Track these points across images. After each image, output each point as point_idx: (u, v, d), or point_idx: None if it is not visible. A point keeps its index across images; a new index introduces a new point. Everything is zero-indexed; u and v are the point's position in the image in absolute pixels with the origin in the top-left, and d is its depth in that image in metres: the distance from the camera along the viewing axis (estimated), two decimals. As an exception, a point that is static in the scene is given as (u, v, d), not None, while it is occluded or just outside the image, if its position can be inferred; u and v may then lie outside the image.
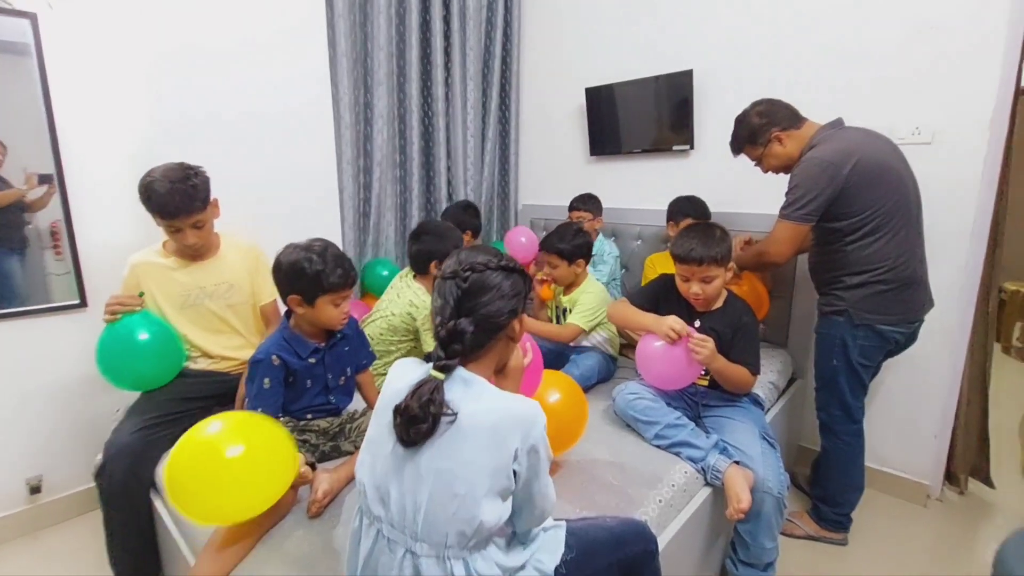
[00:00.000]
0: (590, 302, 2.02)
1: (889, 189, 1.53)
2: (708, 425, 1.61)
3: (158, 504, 1.39)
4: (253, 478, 1.02)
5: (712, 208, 2.30)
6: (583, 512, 1.20)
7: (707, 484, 1.45)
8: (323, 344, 1.42)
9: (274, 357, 1.32)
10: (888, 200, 1.52)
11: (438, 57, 2.68)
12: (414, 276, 1.95)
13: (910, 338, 1.65)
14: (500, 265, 0.91)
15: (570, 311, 2.04)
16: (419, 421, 0.81)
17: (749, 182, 2.10)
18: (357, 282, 1.38)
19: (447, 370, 0.86)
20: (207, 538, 1.11)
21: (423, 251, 1.90)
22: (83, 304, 1.91)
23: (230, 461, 1.02)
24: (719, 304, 1.62)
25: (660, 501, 1.28)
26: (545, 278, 2.15)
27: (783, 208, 1.61)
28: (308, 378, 1.39)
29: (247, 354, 1.54)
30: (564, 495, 1.26)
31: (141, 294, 1.57)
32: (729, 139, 1.78)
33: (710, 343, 1.46)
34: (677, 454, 1.47)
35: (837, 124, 1.63)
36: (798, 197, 1.56)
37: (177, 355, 1.63)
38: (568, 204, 2.56)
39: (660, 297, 1.69)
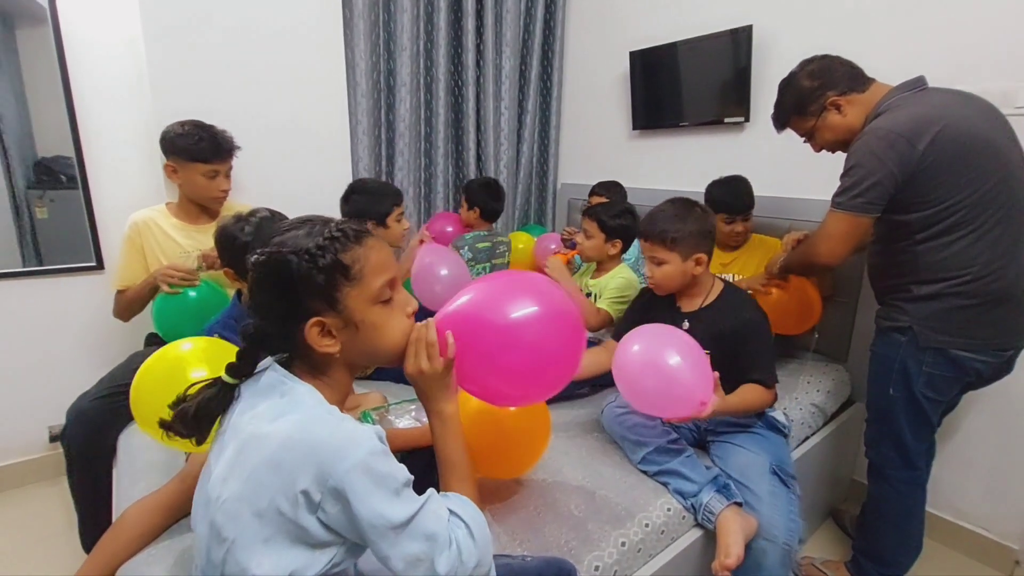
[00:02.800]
0: (620, 287, 1.81)
1: (983, 172, 1.15)
2: (714, 453, 1.35)
3: (115, 473, 1.38)
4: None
5: (766, 191, 1.96)
6: (523, 547, 1.02)
7: (698, 525, 1.20)
8: None
9: (216, 336, 1.23)
10: (980, 186, 1.15)
11: (469, 22, 2.48)
12: None
13: (1000, 369, 1.27)
14: (273, 253, 0.67)
15: (598, 296, 1.83)
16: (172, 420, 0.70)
17: (816, 161, 1.73)
18: None
19: (237, 374, 0.71)
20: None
21: (353, 213, 1.76)
22: (100, 267, 1.98)
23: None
24: (710, 299, 1.35)
25: (623, 544, 1.06)
26: (568, 238, 1.96)
27: (836, 194, 1.27)
28: None
29: (235, 324, 1.55)
30: (508, 521, 1.08)
31: (198, 267, 1.60)
32: (772, 109, 1.45)
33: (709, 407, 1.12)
34: (665, 485, 1.23)
35: (916, 84, 1.25)
36: (856, 180, 1.22)
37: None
38: (590, 189, 2.32)
39: (645, 306, 1.48)
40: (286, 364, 0.74)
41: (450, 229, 2.54)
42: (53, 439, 2.00)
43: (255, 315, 0.72)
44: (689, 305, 1.39)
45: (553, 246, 2.49)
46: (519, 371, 0.83)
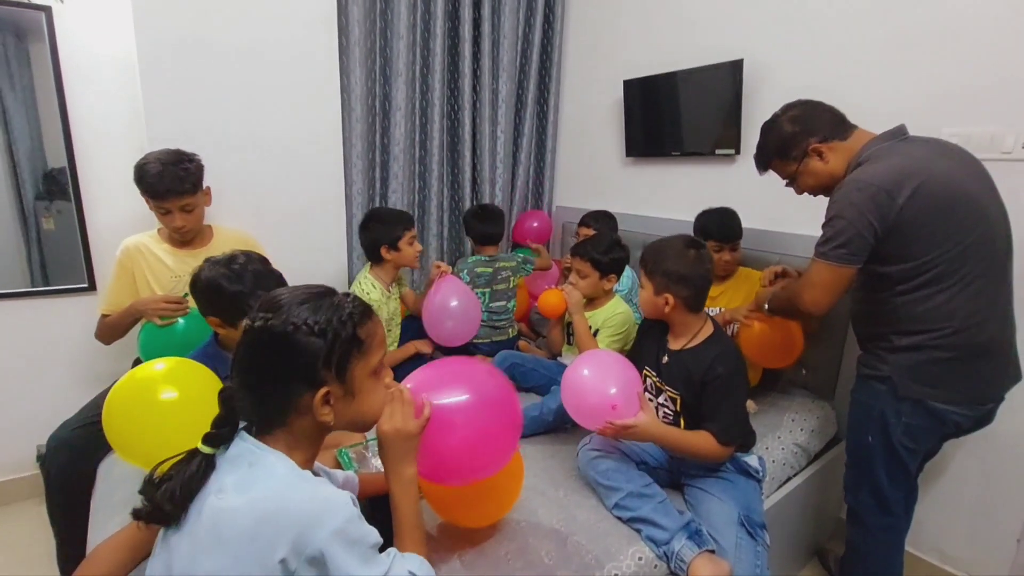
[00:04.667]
0: (618, 324, 1.80)
1: (963, 226, 1.15)
2: (687, 497, 1.34)
3: (93, 503, 1.39)
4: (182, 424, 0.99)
5: (754, 224, 1.97)
6: (489, 596, 1.01)
7: (672, 573, 1.19)
8: None
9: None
10: (960, 240, 1.15)
11: (466, 48, 2.50)
12: (369, 267, 2.01)
13: (979, 421, 1.26)
14: (287, 324, 0.70)
15: (596, 330, 1.82)
16: (148, 502, 0.68)
17: (804, 198, 1.73)
18: None
19: (214, 443, 0.70)
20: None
21: (369, 239, 1.97)
22: (92, 288, 2.00)
23: (163, 403, 1.05)
24: (694, 343, 1.36)
25: (591, 596, 1.05)
26: (569, 265, 2.02)
27: (819, 244, 1.27)
28: None
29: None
30: (478, 567, 1.08)
31: (186, 294, 1.58)
32: (755, 150, 1.45)
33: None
34: (638, 531, 1.22)
35: (898, 134, 1.25)
36: (837, 231, 1.22)
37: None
38: (580, 219, 2.33)
39: (644, 331, 1.55)
40: (254, 430, 0.75)
41: (536, 224, 2.81)
42: (40, 458, 2.01)
43: (244, 380, 0.72)
44: (675, 343, 1.41)
45: (547, 286, 2.50)
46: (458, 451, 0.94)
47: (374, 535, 0.71)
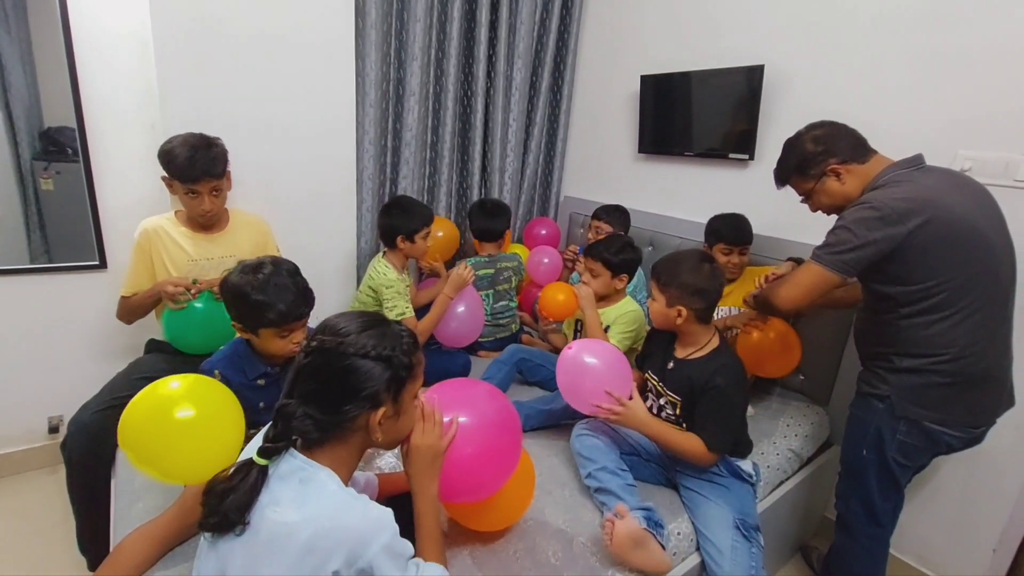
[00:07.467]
0: (629, 322, 1.84)
1: (967, 258, 1.18)
2: (684, 499, 1.41)
3: (113, 486, 1.43)
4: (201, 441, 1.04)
5: (763, 231, 1.99)
6: (500, 594, 1.07)
7: None
8: (276, 368, 1.31)
9: (216, 372, 1.25)
10: (964, 272, 1.18)
11: (482, 32, 2.46)
12: (383, 254, 2.03)
13: (970, 443, 1.32)
14: (358, 349, 0.76)
15: (607, 327, 1.86)
16: (211, 513, 0.72)
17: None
18: (309, 311, 1.27)
19: (270, 455, 0.75)
20: (133, 527, 1.10)
21: (388, 225, 1.97)
22: (103, 265, 2.00)
23: (179, 422, 1.03)
24: (699, 353, 1.42)
25: (595, 598, 1.12)
26: (571, 257, 2.19)
27: (817, 247, 1.30)
28: (259, 400, 1.27)
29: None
30: (489, 565, 1.14)
31: (195, 281, 1.62)
32: (775, 165, 1.47)
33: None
34: (602, 504, 1.31)
35: (915, 162, 1.27)
36: (840, 240, 1.24)
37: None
38: (593, 211, 2.35)
39: (651, 337, 1.61)
40: (300, 444, 0.78)
41: (544, 232, 2.77)
42: (52, 430, 2.06)
43: (308, 398, 0.76)
44: (681, 352, 1.46)
45: (546, 260, 2.51)
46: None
47: (409, 547, 0.78)
